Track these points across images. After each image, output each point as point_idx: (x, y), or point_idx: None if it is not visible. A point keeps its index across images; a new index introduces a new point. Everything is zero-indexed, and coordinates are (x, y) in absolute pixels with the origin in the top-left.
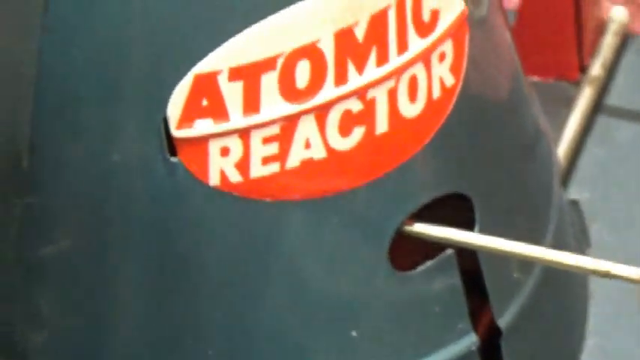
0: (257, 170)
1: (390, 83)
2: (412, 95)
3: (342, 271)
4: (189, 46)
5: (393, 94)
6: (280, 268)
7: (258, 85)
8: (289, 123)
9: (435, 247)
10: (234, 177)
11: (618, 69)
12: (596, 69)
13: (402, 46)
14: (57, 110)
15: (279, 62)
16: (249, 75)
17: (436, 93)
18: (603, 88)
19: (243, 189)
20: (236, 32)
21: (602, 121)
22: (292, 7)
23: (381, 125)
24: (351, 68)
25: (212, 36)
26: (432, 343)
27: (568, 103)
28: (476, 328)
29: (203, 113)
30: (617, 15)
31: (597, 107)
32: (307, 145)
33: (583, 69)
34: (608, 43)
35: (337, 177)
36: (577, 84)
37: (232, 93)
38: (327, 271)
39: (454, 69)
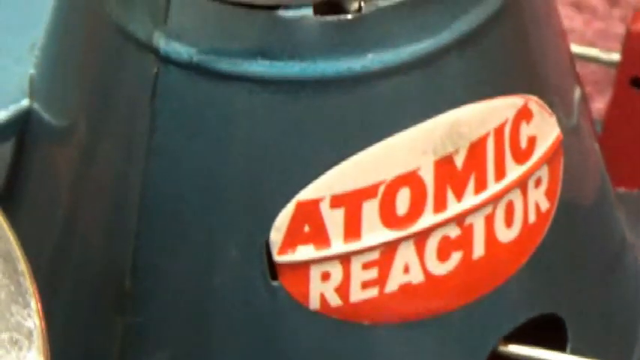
0: (356, 294)
1: (488, 209)
2: (508, 221)
3: None
4: (292, 173)
5: (490, 220)
6: None
7: (360, 213)
8: (389, 249)
9: None
10: (334, 301)
11: None
12: None
13: (500, 173)
14: (159, 232)
15: (381, 190)
16: (350, 202)
17: (532, 218)
18: None
19: (342, 312)
20: (338, 161)
21: None
22: (394, 137)
23: (478, 250)
24: (450, 195)
25: (315, 164)
26: None
27: None
28: None
29: (305, 239)
30: None
31: None
32: (406, 270)
33: None
34: None
35: (434, 300)
36: None
37: (334, 220)
38: None
39: (549, 193)
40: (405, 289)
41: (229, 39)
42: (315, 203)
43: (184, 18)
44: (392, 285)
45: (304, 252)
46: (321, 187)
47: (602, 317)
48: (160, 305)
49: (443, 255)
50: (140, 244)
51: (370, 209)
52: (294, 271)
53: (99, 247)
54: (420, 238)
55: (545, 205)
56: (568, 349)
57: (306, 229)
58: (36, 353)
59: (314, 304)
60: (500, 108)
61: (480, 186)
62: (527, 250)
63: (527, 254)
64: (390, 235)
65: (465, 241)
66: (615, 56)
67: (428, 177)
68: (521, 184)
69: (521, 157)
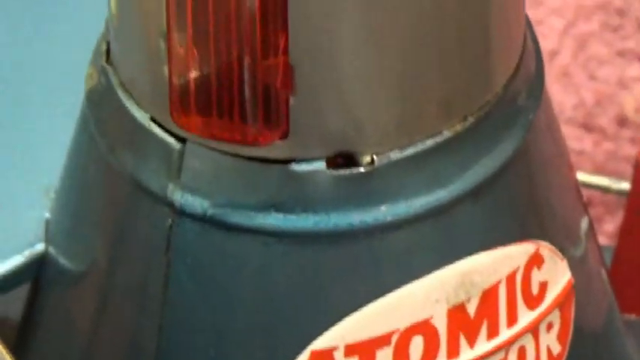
0: None
1: (500, 355)
2: None
3: None
4: (306, 323)
5: None
6: None
7: None
8: None
9: None
10: None
11: None
12: None
13: (512, 319)
14: None
15: (394, 339)
16: (364, 351)
17: None
18: None
19: None
20: (352, 311)
21: None
22: (407, 286)
23: None
24: (463, 342)
25: (329, 314)
26: None
27: None
28: None
29: None
30: None
31: None
32: None
33: None
34: None
35: None
36: None
37: None
38: None
39: (561, 337)
40: None
41: (243, 192)
42: (329, 352)
43: (198, 171)
44: None
45: None
46: (335, 337)
47: None
48: None
49: None
50: None
51: (384, 357)
52: None
53: None
54: None
55: (556, 348)
56: None
57: None
58: None
59: None
60: (513, 255)
61: (493, 332)
62: None
63: None
64: None
65: None
66: (625, 185)
67: (441, 325)
68: (533, 329)
69: (532, 302)
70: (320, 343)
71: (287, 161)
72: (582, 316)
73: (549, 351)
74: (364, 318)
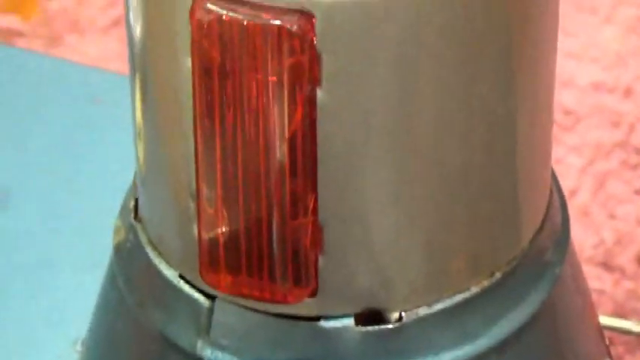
0: None
1: None
2: None
3: None
4: None
5: None
6: None
7: None
8: None
9: None
10: None
11: None
12: None
13: None
14: None
15: None
16: None
17: None
18: None
19: None
20: None
21: None
22: None
23: None
24: None
25: None
26: None
27: None
28: None
29: None
30: None
31: None
32: None
33: None
34: None
35: None
36: None
37: None
38: None
39: None
40: None
41: (272, 349)
42: None
43: (228, 328)
44: None
45: None
46: None
47: None
48: None
49: None
50: None
51: None
52: None
53: None
54: None
55: None
56: None
57: None
58: None
59: None
60: None
61: None
62: None
63: None
64: None
65: None
66: None
67: None
68: None
69: None
70: None
71: (316, 318)
72: None
73: None
74: None
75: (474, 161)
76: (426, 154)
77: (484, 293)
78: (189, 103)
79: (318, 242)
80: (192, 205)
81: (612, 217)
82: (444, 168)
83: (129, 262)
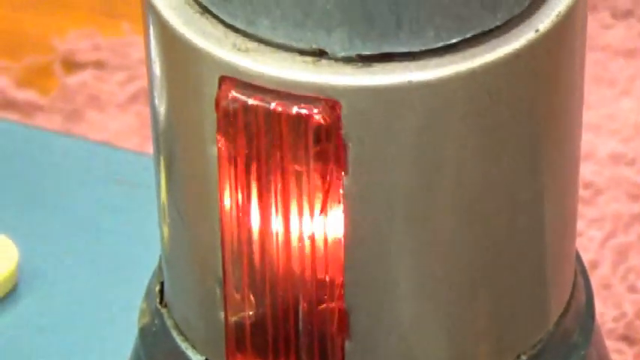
0: None
1: None
2: None
3: None
4: None
5: None
6: None
7: None
8: None
9: None
10: None
11: None
12: None
13: None
14: None
15: None
16: None
17: None
18: None
19: None
20: None
21: None
22: None
23: None
24: None
25: None
26: None
27: None
28: None
29: None
30: None
31: None
32: None
33: None
34: None
35: None
36: None
37: None
38: None
39: None
40: None
41: None
42: None
43: None
44: None
45: None
46: None
47: None
48: None
49: None
50: None
51: None
52: None
53: None
54: None
55: None
56: None
57: None
58: None
59: None
60: None
61: None
62: None
63: None
64: None
65: None
66: None
67: None
68: None
69: None
70: None
71: None
72: None
73: None
74: None
75: (498, 245)
76: (449, 239)
77: None
78: (214, 188)
79: (344, 327)
80: (218, 290)
81: (633, 289)
82: (469, 253)
83: (154, 346)
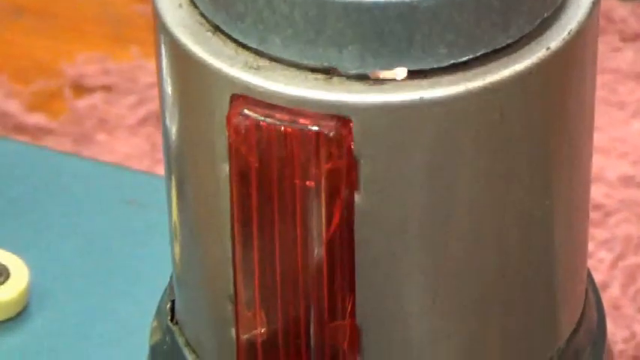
0: None
1: None
2: None
3: None
4: None
5: None
6: None
7: None
8: None
9: None
10: None
11: None
12: None
13: None
14: None
15: None
16: None
17: None
18: None
19: None
20: None
21: None
22: None
23: None
24: None
25: None
26: None
27: None
28: None
29: None
30: None
31: None
32: None
33: None
34: None
35: None
36: None
37: None
38: None
39: None
40: None
41: None
42: None
43: None
44: None
45: None
46: None
47: None
48: None
49: None
50: None
51: None
52: None
53: None
54: None
55: None
56: None
57: None
58: None
59: None
60: None
61: None
62: None
63: None
64: None
65: None
66: None
67: None
68: None
69: None
70: None
71: None
72: None
73: None
74: None
75: (510, 263)
76: (460, 257)
77: None
78: (226, 207)
79: (355, 344)
80: (229, 308)
81: None
82: (480, 271)
83: None
